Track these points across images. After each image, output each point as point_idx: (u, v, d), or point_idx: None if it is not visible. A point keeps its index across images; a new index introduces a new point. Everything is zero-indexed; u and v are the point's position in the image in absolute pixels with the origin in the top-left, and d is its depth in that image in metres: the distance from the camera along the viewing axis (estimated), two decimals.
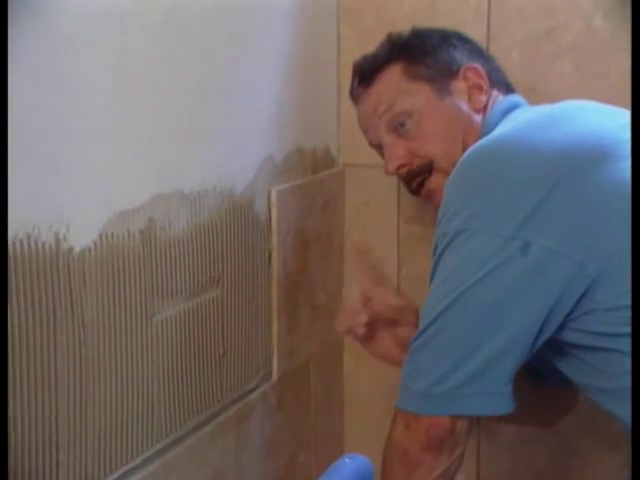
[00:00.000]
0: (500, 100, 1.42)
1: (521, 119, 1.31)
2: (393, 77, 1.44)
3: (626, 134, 1.17)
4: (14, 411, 1.01)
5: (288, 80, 1.57)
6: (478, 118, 1.41)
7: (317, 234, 1.69)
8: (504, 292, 1.16)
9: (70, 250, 1.08)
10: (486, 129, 1.35)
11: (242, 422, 1.48)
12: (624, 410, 1.14)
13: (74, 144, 1.08)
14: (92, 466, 1.14)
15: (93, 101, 1.10)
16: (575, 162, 1.18)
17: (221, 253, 1.39)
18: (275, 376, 1.57)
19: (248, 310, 1.48)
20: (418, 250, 1.73)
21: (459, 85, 1.42)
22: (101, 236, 1.13)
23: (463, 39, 1.47)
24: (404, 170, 1.45)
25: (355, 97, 1.51)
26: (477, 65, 1.43)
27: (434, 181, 1.42)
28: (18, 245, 1.00)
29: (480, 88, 1.42)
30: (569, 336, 1.20)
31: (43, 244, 1.04)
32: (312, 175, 1.67)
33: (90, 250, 1.11)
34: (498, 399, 1.19)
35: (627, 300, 1.12)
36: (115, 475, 1.18)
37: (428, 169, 1.43)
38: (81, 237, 1.10)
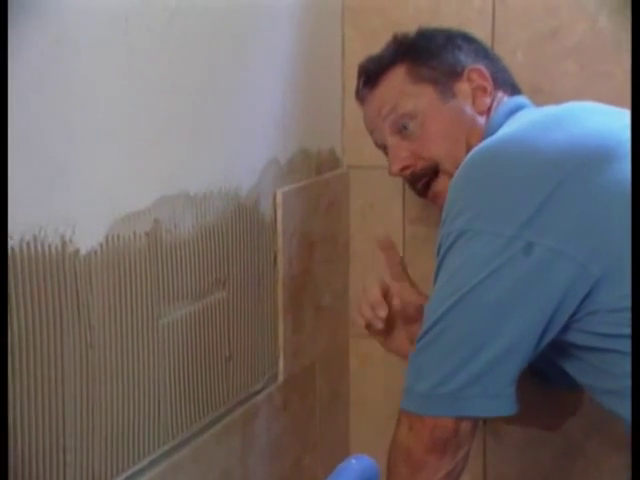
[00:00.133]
0: (505, 101, 1.42)
1: (525, 120, 1.31)
2: (397, 79, 1.44)
3: (629, 135, 1.17)
4: (21, 413, 1.01)
5: (293, 81, 1.57)
6: (482, 120, 1.41)
7: (322, 235, 1.69)
8: (507, 293, 1.16)
9: (76, 252, 1.08)
10: (490, 130, 1.35)
11: (248, 424, 1.47)
12: (628, 411, 1.13)
13: (79, 146, 1.08)
14: (99, 468, 1.14)
15: (98, 103, 1.10)
16: (579, 163, 1.18)
17: (227, 255, 1.39)
18: (281, 378, 1.57)
19: (254, 312, 1.48)
20: (423, 251, 1.72)
21: (463, 87, 1.42)
22: (107, 238, 1.13)
23: (469, 39, 1.47)
24: (408, 172, 1.45)
25: (360, 98, 1.51)
26: (481, 66, 1.43)
27: (439, 183, 1.43)
28: (25, 247, 1.00)
29: (484, 90, 1.42)
30: (573, 337, 1.20)
31: (49, 246, 1.04)
32: (317, 176, 1.67)
33: (96, 252, 1.11)
34: (501, 400, 1.18)
35: (629, 301, 1.12)
36: (122, 477, 1.18)
37: (432, 171, 1.43)
38: (87, 239, 1.10)
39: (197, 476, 1.33)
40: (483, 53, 1.47)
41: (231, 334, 1.41)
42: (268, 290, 1.52)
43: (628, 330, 1.13)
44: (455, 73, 1.42)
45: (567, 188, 1.16)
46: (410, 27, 1.49)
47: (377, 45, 1.49)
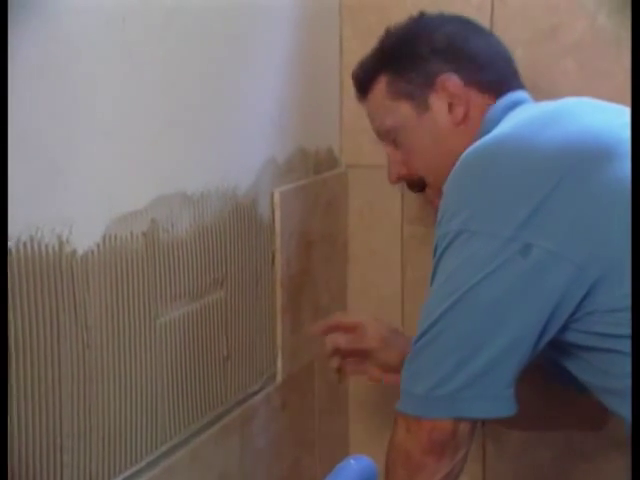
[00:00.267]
0: (503, 98, 1.40)
1: (521, 117, 1.30)
2: (379, 94, 1.46)
3: (627, 133, 1.16)
4: (18, 413, 1.01)
5: (290, 81, 1.57)
6: (463, 128, 1.39)
7: (320, 235, 1.69)
8: (504, 294, 1.16)
9: (73, 252, 1.08)
10: (486, 127, 1.34)
11: (246, 424, 1.47)
12: (628, 411, 1.13)
13: (76, 146, 1.08)
14: (96, 468, 1.14)
15: (95, 102, 1.10)
16: (576, 161, 1.17)
17: (224, 255, 1.39)
18: (279, 378, 1.57)
19: (252, 312, 1.47)
20: (422, 251, 1.72)
21: (438, 97, 1.40)
22: (104, 238, 1.13)
23: (454, 42, 1.42)
24: (404, 180, 1.49)
25: (360, 101, 1.52)
26: (453, 75, 1.39)
27: (430, 194, 1.46)
28: (21, 247, 0.99)
29: (458, 99, 1.39)
30: (572, 337, 1.20)
31: (46, 246, 1.03)
32: (315, 176, 1.67)
33: (93, 252, 1.11)
34: (500, 402, 1.18)
35: (629, 302, 1.12)
36: (120, 477, 1.18)
37: (422, 182, 1.46)
38: (84, 239, 1.09)
39: (195, 477, 1.33)
40: (468, 56, 1.42)
41: (229, 334, 1.41)
42: (266, 290, 1.52)
43: (627, 330, 1.12)
44: (430, 84, 1.40)
45: (565, 187, 1.15)
46: None
47: (375, 44, 1.49)
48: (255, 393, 1.50)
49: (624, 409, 1.16)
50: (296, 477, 1.65)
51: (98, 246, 1.12)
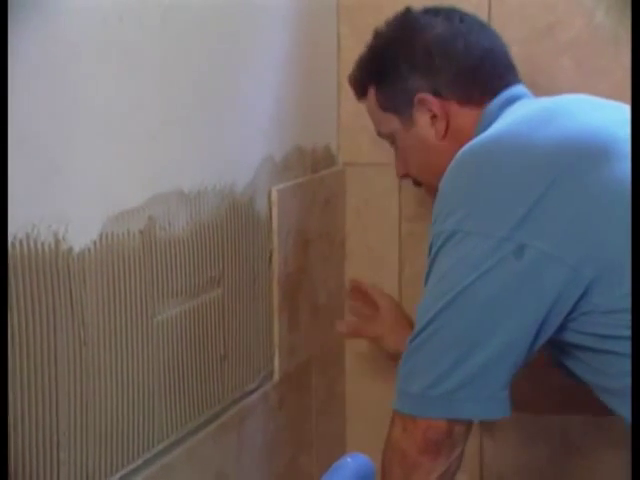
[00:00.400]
0: (499, 96, 1.38)
1: (518, 114, 1.29)
2: (372, 102, 1.48)
3: (625, 131, 1.16)
4: (14, 410, 1.00)
5: (288, 79, 1.57)
6: (447, 142, 1.39)
7: (318, 233, 1.69)
8: (498, 294, 1.16)
9: (70, 250, 1.07)
10: (483, 125, 1.33)
11: (243, 423, 1.47)
12: (626, 410, 1.13)
13: (73, 143, 1.07)
14: (93, 466, 1.13)
15: (92, 100, 1.10)
16: (573, 160, 1.17)
17: (221, 253, 1.39)
18: (276, 376, 1.57)
19: (249, 310, 1.47)
20: (420, 248, 1.70)
21: (421, 113, 1.41)
22: (101, 236, 1.13)
23: (437, 53, 1.39)
24: (408, 178, 1.52)
25: (359, 101, 1.53)
26: (428, 95, 1.39)
27: (427, 193, 1.47)
28: (17, 245, 0.99)
29: (440, 115, 1.39)
30: (569, 337, 1.20)
31: (42, 244, 1.03)
32: (312, 174, 1.67)
33: (90, 250, 1.11)
34: (494, 403, 1.18)
35: (626, 303, 1.12)
36: (117, 476, 1.18)
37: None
38: (81, 237, 1.09)
39: (192, 475, 1.33)
40: (448, 64, 1.39)
41: (226, 332, 1.41)
42: (263, 288, 1.52)
43: (622, 331, 1.13)
44: (410, 102, 1.40)
45: (561, 187, 1.15)
46: None
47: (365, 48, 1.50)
48: (252, 391, 1.50)
49: (623, 409, 1.16)
50: (293, 475, 1.65)
51: (95, 244, 1.11)
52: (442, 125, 1.39)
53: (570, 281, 1.14)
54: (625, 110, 1.22)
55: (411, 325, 1.55)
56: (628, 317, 1.11)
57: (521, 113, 1.29)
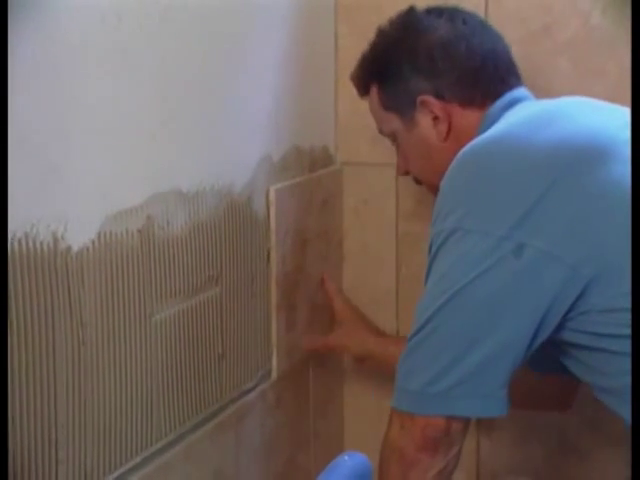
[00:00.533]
0: (501, 99, 1.39)
1: (519, 115, 1.30)
2: (375, 100, 1.48)
3: (625, 134, 1.17)
4: (13, 409, 1.01)
5: (286, 78, 1.57)
6: (449, 144, 1.39)
7: (315, 233, 1.69)
8: (497, 293, 1.16)
9: (68, 249, 1.08)
10: (484, 126, 1.34)
11: (241, 421, 1.47)
12: (624, 409, 1.14)
13: (72, 143, 1.08)
14: (91, 465, 1.14)
15: (91, 100, 1.10)
16: (572, 161, 1.17)
17: (219, 252, 1.39)
18: (274, 375, 1.57)
19: (247, 309, 1.48)
20: (417, 248, 1.72)
21: (423, 114, 1.41)
22: (99, 235, 1.13)
23: (439, 56, 1.39)
24: (408, 175, 1.52)
25: (362, 98, 1.53)
26: (431, 97, 1.39)
27: (429, 191, 1.48)
28: (16, 244, 1.00)
29: (442, 116, 1.39)
30: (567, 336, 1.20)
31: (41, 243, 1.03)
32: (310, 173, 1.67)
33: (88, 249, 1.11)
34: (492, 401, 1.19)
35: (623, 302, 1.12)
36: (115, 474, 1.18)
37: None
38: (79, 236, 1.09)
39: (190, 473, 1.33)
40: (450, 67, 1.39)
41: (224, 331, 1.41)
42: (261, 287, 1.52)
43: (620, 330, 1.13)
44: (412, 103, 1.41)
45: (560, 187, 1.15)
46: None
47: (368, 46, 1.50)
48: (250, 390, 1.50)
49: (622, 409, 1.17)
50: (291, 474, 1.65)
51: (93, 243, 1.12)
52: (444, 127, 1.39)
53: (569, 281, 1.14)
54: (625, 113, 1.22)
55: (367, 323, 1.71)
56: (625, 316, 1.11)
57: (522, 115, 1.29)
